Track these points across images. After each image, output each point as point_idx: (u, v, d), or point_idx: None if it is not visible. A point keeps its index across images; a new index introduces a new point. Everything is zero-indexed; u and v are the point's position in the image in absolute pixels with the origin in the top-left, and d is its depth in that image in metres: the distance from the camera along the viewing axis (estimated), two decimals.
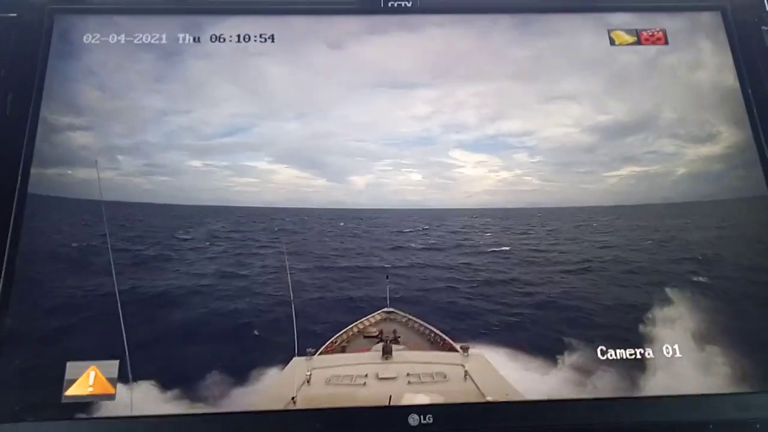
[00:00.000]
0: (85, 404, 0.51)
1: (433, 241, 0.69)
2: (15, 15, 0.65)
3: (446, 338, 0.58)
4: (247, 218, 0.66)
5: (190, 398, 0.52)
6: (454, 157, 0.66)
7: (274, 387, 0.53)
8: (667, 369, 0.55)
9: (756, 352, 0.55)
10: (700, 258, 0.61)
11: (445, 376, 0.56)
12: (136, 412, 0.51)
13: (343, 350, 0.58)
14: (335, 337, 0.58)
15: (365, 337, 0.60)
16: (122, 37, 0.66)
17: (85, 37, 0.65)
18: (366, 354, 0.58)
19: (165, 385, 0.52)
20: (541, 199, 0.66)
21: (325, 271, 0.63)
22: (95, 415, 0.51)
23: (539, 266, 0.62)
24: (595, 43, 0.69)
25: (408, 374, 0.55)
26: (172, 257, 0.61)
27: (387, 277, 0.62)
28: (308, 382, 0.55)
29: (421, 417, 0.51)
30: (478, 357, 0.56)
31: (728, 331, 0.56)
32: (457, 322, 0.59)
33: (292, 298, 0.58)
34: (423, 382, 0.55)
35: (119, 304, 0.55)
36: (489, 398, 0.53)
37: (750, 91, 0.67)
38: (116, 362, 0.53)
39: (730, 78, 0.68)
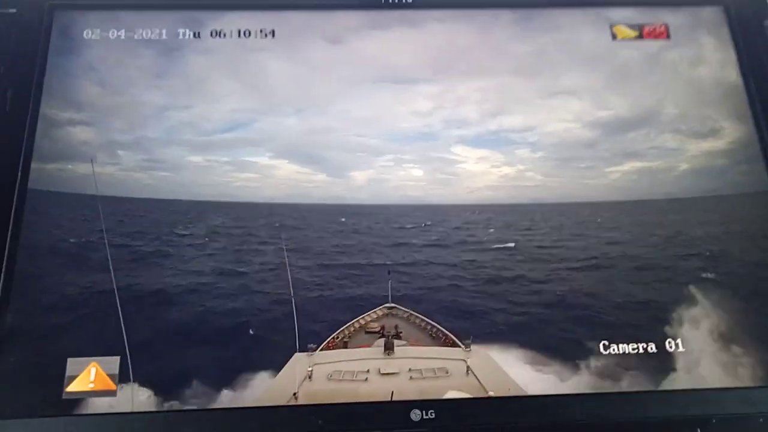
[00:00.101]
0: (86, 401, 0.51)
1: (435, 238, 0.68)
2: (15, 11, 0.64)
3: (448, 334, 0.58)
4: (248, 214, 0.65)
5: (191, 395, 0.52)
6: (455, 152, 0.66)
7: (276, 383, 0.53)
8: (674, 363, 0.55)
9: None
10: (708, 254, 0.61)
11: (447, 372, 0.55)
12: (137, 409, 0.51)
13: (344, 346, 0.58)
14: (337, 332, 0.57)
15: (367, 332, 0.60)
16: (122, 33, 0.65)
17: (85, 33, 0.65)
18: (368, 349, 0.58)
19: (166, 381, 0.52)
20: (543, 194, 0.66)
21: (326, 269, 0.63)
22: (96, 412, 0.51)
23: (545, 263, 0.62)
24: (596, 38, 0.69)
25: (410, 370, 0.55)
26: (170, 253, 0.60)
27: (388, 273, 0.62)
28: (310, 377, 0.54)
29: (423, 412, 0.51)
30: (480, 352, 0.56)
31: (740, 327, 0.56)
32: (462, 321, 0.59)
33: (292, 293, 0.57)
34: (425, 378, 0.55)
35: (118, 301, 0.54)
36: (491, 393, 0.53)
37: (753, 86, 0.66)
38: (117, 358, 0.53)
39: (732, 73, 0.67)
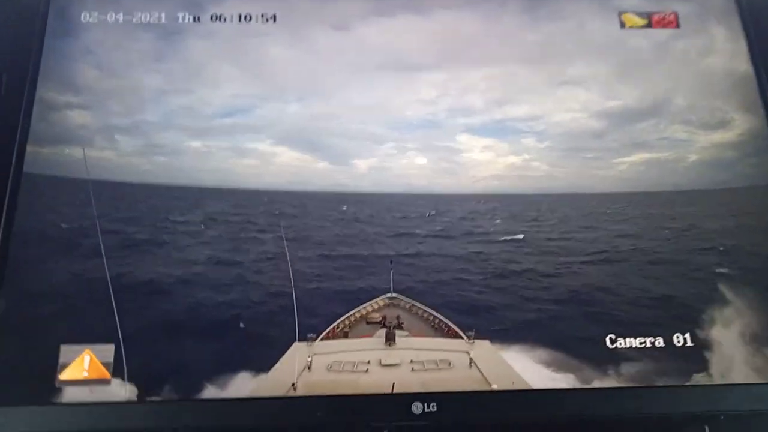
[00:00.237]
0: (79, 389, 0.50)
1: (440, 228, 0.67)
2: None
3: (451, 325, 0.57)
4: (248, 201, 0.64)
5: (187, 385, 0.50)
6: (460, 141, 0.65)
7: (274, 373, 0.51)
8: (681, 359, 0.53)
9: None
10: (721, 249, 0.59)
11: (449, 364, 0.54)
12: (131, 398, 0.50)
13: (345, 336, 0.57)
14: (337, 322, 0.56)
15: (368, 323, 0.58)
16: (120, 16, 0.64)
17: (82, 16, 0.64)
18: (369, 340, 0.57)
19: (162, 371, 0.51)
20: (549, 184, 0.64)
21: (326, 259, 0.61)
22: (89, 400, 0.50)
23: (554, 255, 0.61)
24: (605, 27, 0.67)
25: (412, 361, 0.54)
26: (164, 241, 0.59)
27: (390, 262, 0.60)
28: (309, 368, 0.53)
29: (425, 405, 0.50)
30: (483, 344, 0.55)
31: (755, 323, 0.55)
32: (467, 316, 0.57)
33: (292, 283, 0.56)
34: (427, 370, 0.53)
35: (111, 289, 0.53)
36: (494, 386, 0.52)
37: (764, 77, 0.65)
38: (111, 346, 0.52)
39: (743, 64, 0.66)
